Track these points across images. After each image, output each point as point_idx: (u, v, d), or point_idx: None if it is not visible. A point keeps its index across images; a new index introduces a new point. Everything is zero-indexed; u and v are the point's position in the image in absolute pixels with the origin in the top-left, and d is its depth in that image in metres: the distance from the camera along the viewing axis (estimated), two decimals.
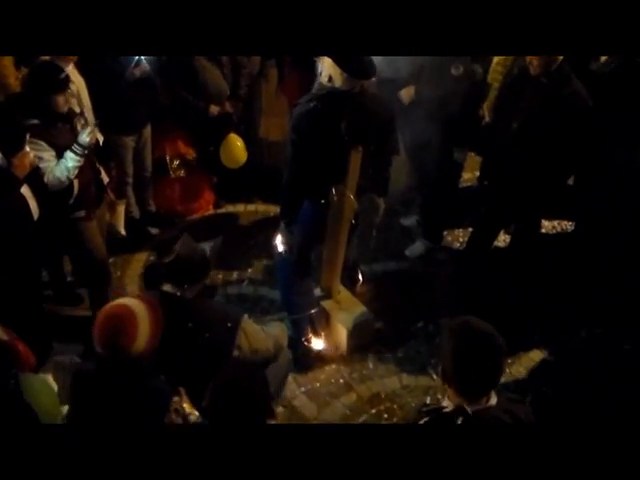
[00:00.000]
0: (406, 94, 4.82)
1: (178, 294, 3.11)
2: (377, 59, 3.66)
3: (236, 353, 3.11)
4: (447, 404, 2.32)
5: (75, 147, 3.79)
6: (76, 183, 3.88)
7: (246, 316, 3.24)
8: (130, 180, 5.16)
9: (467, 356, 2.23)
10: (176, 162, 5.46)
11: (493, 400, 2.29)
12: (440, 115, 4.48)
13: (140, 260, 5.19)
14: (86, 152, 3.84)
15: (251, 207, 5.92)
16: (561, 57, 3.86)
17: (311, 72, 5.13)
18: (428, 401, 3.96)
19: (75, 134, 3.86)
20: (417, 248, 5.32)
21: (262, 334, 3.31)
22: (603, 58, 4.50)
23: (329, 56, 3.61)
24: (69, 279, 4.77)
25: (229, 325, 3.13)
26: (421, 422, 2.30)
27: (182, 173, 5.51)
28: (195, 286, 3.16)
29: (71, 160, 3.78)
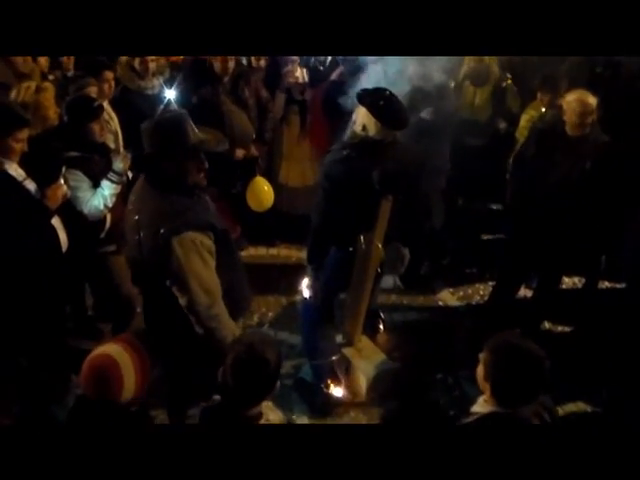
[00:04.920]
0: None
1: None
2: None
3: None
4: (478, 410, 2.47)
5: (111, 175, 3.84)
6: (109, 217, 3.92)
7: (189, 234, 2.85)
8: None
9: (507, 374, 2.35)
10: None
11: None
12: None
13: None
14: (122, 179, 3.88)
15: (273, 251, 5.96)
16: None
17: (338, 120, 5.20)
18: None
19: (110, 166, 3.90)
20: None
21: (206, 270, 2.92)
22: None
23: (364, 106, 3.65)
24: (90, 313, 4.75)
25: (162, 231, 2.85)
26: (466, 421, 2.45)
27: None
28: None
29: (107, 188, 3.82)
